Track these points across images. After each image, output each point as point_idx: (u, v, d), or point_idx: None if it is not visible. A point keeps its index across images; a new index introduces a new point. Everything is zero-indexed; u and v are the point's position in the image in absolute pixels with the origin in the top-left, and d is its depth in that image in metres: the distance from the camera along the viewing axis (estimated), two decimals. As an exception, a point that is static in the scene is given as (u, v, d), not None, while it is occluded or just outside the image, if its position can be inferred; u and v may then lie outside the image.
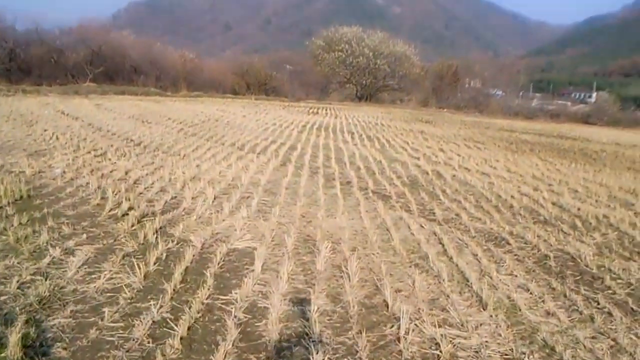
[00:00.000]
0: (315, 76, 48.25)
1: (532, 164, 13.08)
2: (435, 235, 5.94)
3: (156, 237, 5.04)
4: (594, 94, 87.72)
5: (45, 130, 11.94)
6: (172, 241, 5.00)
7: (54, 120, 14.46)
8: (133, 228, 5.32)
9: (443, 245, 5.53)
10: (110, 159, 9.19)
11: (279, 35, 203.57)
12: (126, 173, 8.14)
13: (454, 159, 12.94)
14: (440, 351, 3.26)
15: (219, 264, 4.51)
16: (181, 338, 3.18)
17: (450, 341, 3.39)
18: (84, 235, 5.00)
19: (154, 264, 4.36)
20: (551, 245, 5.88)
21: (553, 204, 8.23)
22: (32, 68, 27.37)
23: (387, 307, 3.87)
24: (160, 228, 5.40)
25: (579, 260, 5.38)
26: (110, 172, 8.16)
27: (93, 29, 31.03)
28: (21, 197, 6.23)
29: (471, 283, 4.43)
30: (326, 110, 31.13)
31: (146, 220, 5.51)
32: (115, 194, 6.48)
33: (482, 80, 54.92)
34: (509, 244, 5.82)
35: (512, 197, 8.54)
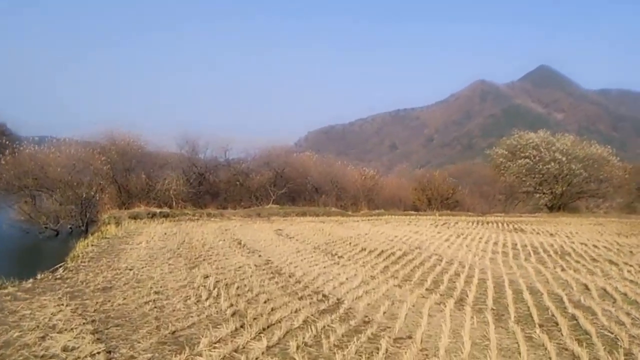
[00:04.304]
0: (494, 187, 43.17)
1: None
2: None
3: None
4: None
5: (206, 278, 8.30)
6: None
7: (225, 255, 11.20)
8: None
9: None
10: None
11: (440, 150, 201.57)
12: None
13: None
14: None
15: None
16: None
17: None
18: None
19: None
20: None
21: None
22: (219, 191, 27.44)
23: None
24: None
25: None
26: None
27: (277, 152, 31.03)
28: None
29: None
30: (528, 225, 25.14)
31: None
32: None
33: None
34: None
35: None
